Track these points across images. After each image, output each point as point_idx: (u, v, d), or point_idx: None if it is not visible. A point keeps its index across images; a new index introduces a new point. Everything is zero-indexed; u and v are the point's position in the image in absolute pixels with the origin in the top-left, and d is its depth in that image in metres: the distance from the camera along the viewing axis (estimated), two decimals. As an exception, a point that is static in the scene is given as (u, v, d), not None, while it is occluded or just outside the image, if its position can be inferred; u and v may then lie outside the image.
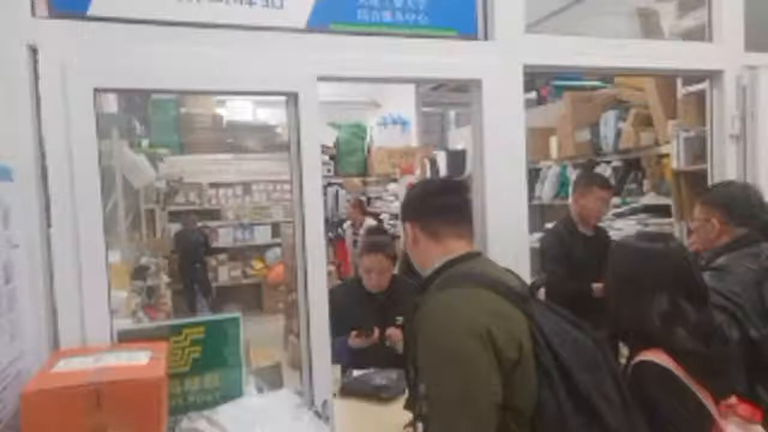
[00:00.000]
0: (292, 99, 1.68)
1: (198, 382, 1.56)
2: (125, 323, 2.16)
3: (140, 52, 1.52)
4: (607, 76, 4.09)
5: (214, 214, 7.91)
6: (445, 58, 1.82)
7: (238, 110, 7.57)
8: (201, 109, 6.97)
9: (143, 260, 4.18)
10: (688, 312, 1.39)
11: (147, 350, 1.36)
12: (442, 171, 5.52)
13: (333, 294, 1.83)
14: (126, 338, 1.48)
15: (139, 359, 1.30)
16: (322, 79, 1.68)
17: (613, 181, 3.65)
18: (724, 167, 2.21)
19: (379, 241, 2.80)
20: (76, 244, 1.48)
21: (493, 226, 1.90)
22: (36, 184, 1.46)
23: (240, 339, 1.61)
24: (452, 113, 7.81)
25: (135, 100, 5.75)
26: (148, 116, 6.41)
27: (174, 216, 7.30)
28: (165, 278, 5.40)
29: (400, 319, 2.48)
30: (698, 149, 2.99)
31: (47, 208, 1.47)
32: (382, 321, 2.52)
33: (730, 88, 2.18)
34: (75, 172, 1.48)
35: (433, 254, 1.39)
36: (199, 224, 7.42)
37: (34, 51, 1.44)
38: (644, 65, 2.09)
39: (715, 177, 2.27)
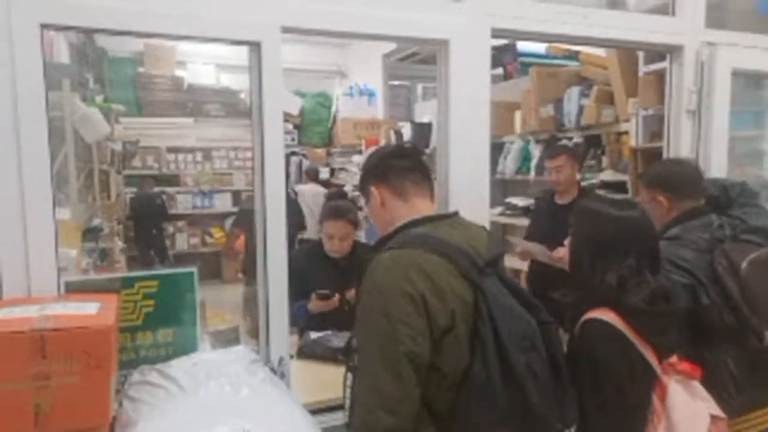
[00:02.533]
0: (255, 50, 1.63)
1: (151, 337, 1.53)
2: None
3: (92, -11, 1.44)
4: (572, 46, 4.12)
5: (172, 180, 7.67)
6: (414, 14, 1.79)
7: (201, 74, 7.31)
8: (161, 70, 6.70)
9: (95, 222, 4.02)
10: (647, 276, 1.45)
11: (95, 301, 1.31)
12: (408, 143, 5.51)
13: (294, 257, 1.81)
14: (74, 289, 1.43)
15: (87, 309, 1.26)
16: (286, 30, 1.63)
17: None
18: (679, 142, 2.27)
19: (341, 206, 2.77)
20: (21, 191, 1.41)
21: (456, 193, 1.91)
22: (-24, 126, 1.38)
23: (195, 294, 1.58)
24: (419, 87, 7.75)
25: (89, 55, 5.47)
26: (104, 74, 6.12)
27: (130, 180, 7.05)
28: (119, 243, 5.22)
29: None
30: (656, 127, 3.06)
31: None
32: (343, 285, 2.51)
33: (689, 63, 2.23)
34: (20, 115, 1.41)
35: (401, 213, 1.37)
36: (157, 189, 7.20)
37: (-26, -20, 1.35)
38: (607, 36, 2.11)
39: (670, 152, 2.33)
